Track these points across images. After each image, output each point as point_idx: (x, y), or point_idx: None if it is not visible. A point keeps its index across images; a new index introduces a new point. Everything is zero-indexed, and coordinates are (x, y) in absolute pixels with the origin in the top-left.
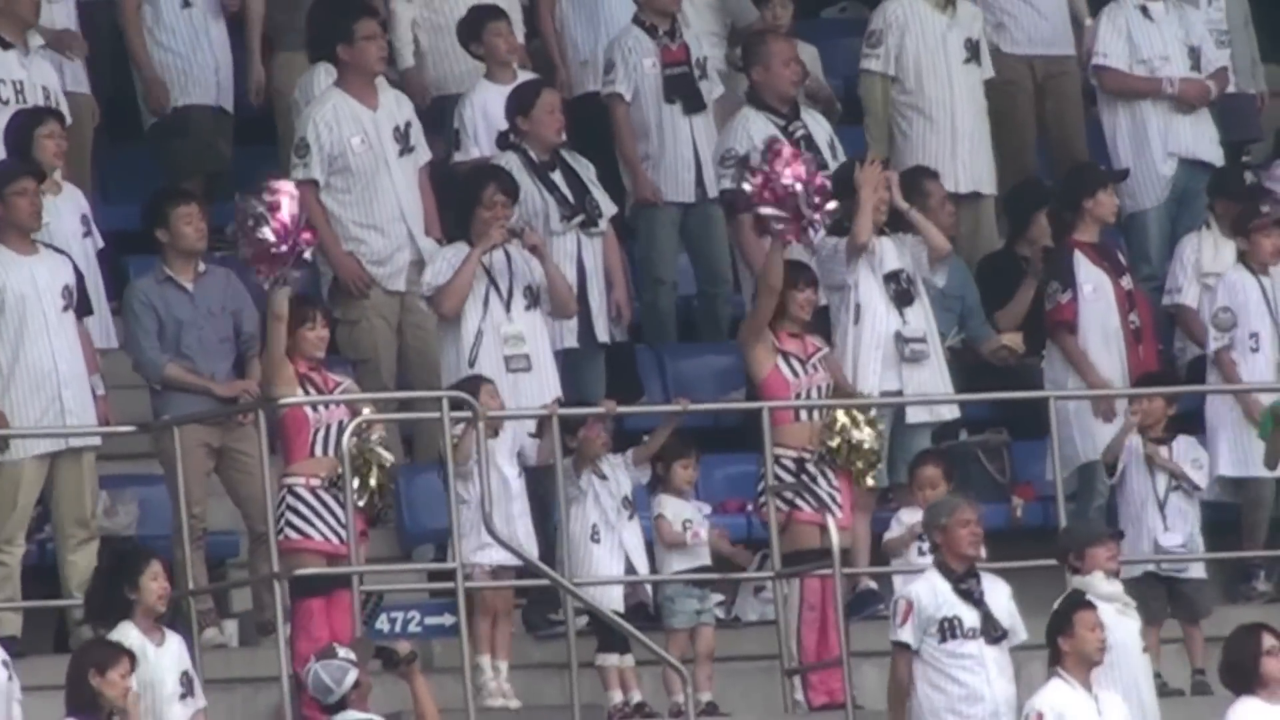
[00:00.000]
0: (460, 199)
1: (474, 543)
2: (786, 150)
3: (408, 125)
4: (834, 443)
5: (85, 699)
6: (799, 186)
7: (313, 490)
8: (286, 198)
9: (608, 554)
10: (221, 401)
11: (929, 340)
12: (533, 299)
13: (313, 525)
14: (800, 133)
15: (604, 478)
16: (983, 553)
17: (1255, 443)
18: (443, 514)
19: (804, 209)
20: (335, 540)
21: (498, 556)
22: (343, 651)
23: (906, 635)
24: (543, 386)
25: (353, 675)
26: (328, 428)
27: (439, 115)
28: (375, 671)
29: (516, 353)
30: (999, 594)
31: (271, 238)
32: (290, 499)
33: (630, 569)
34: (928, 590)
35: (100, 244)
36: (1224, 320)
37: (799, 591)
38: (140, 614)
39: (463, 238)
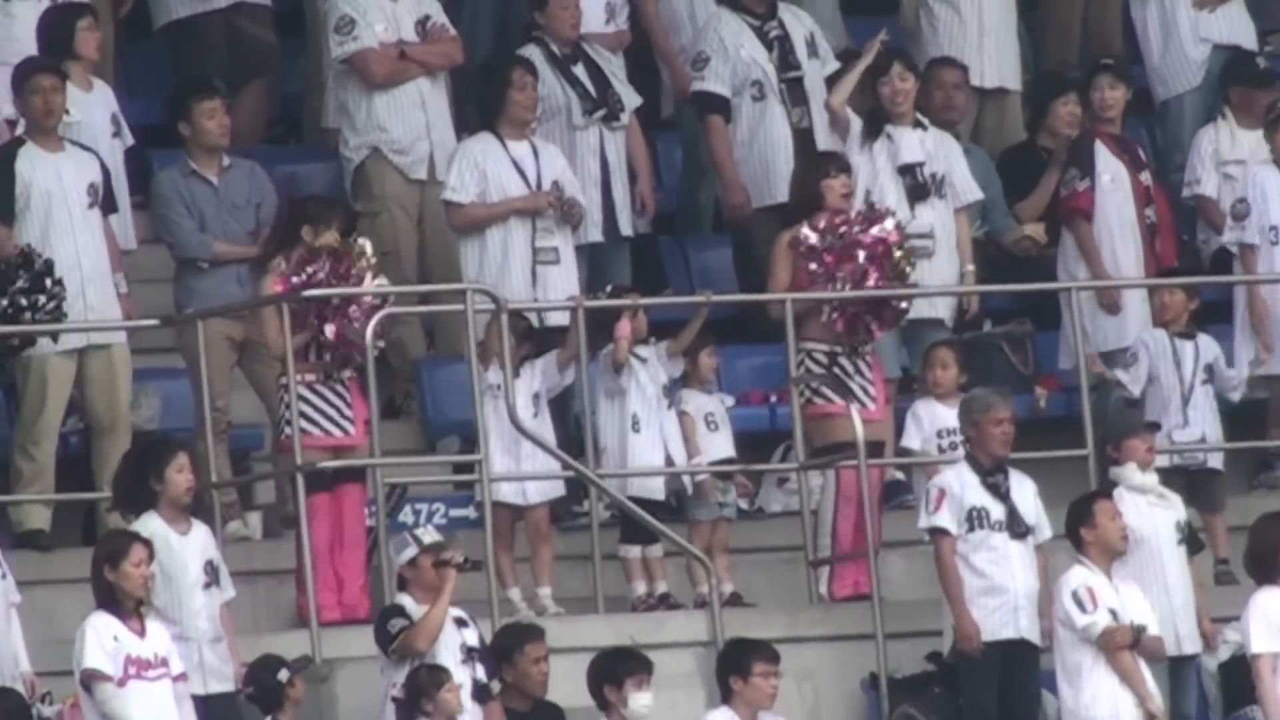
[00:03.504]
0: (485, 87)
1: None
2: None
3: (427, 18)
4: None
5: (105, 592)
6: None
7: (309, 386)
8: None
9: (648, 444)
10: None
11: (935, 235)
12: (559, 194)
13: (315, 423)
14: (775, 33)
15: (643, 360)
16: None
17: None
18: (465, 406)
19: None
20: (339, 432)
21: (534, 495)
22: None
23: (944, 521)
24: (568, 280)
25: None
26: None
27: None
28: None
29: (546, 245)
30: (1025, 490)
31: None
32: (286, 396)
33: (669, 458)
34: (956, 480)
35: (130, 142)
36: (1239, 210)
37: (835, 483)
38: (165, 505)
39: (487, 128)
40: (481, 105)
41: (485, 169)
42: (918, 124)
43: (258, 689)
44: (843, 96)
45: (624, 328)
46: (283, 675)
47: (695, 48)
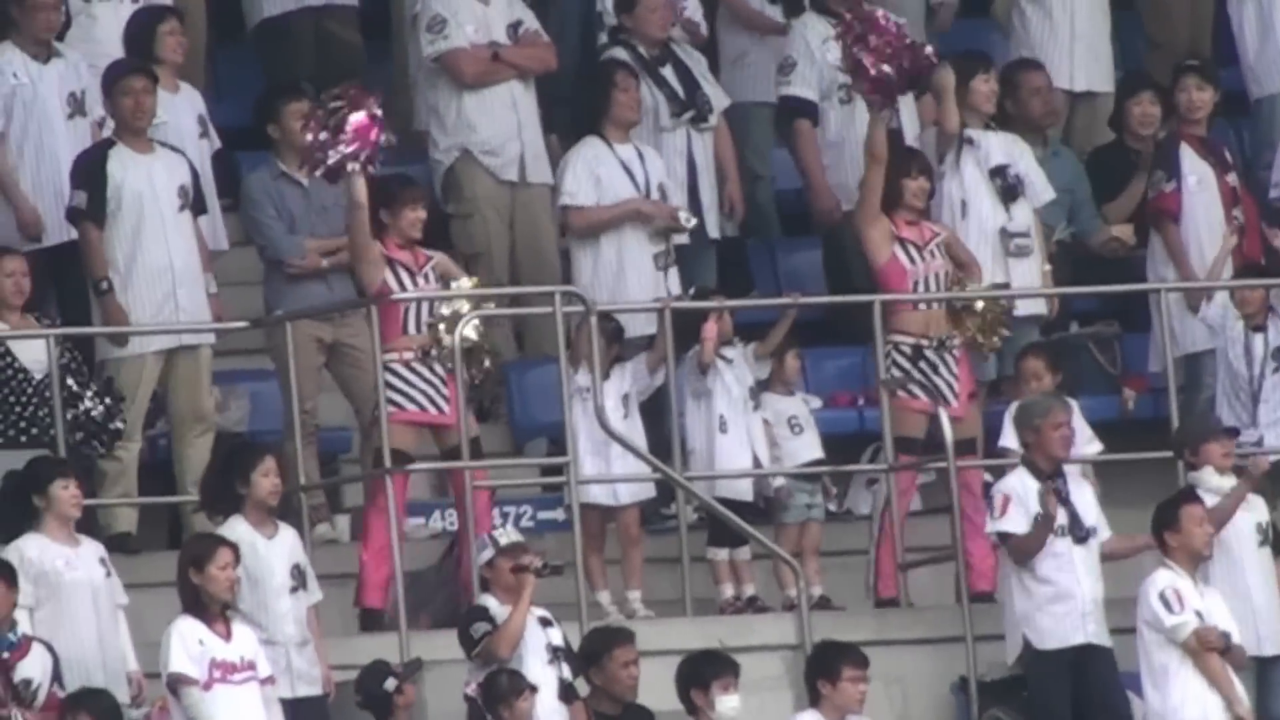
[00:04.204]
0: (589, 91)
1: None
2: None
3: (519, 23)
4: (976, 318)
5: (190, 595)
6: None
7: (406, 364)
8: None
9: (736, 445)
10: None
11: (1032, 235)
12: (663, 198)
13: (408, 397)
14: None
15: (729, 361)
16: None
17: None
18: (555, 408)
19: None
20: (432, 410)
21: (625, 496)
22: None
23: (1013, 525)
24: (676, 284)
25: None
26: (418, 305)
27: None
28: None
29: (659, 250)
30: (1084, 493)
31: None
32: (385, 375)
33: (756, 460)
34: (1020, 485)
35: (217, 144)
36: None
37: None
38: (251, 508)
39: (592, 130)
40: (585, 109)
41: (599, 173)
42: (987, 126)
43: (366, 697)
44: (952, 114)
45: (710, 329)
46: (389, 684)
47: (782, 53)
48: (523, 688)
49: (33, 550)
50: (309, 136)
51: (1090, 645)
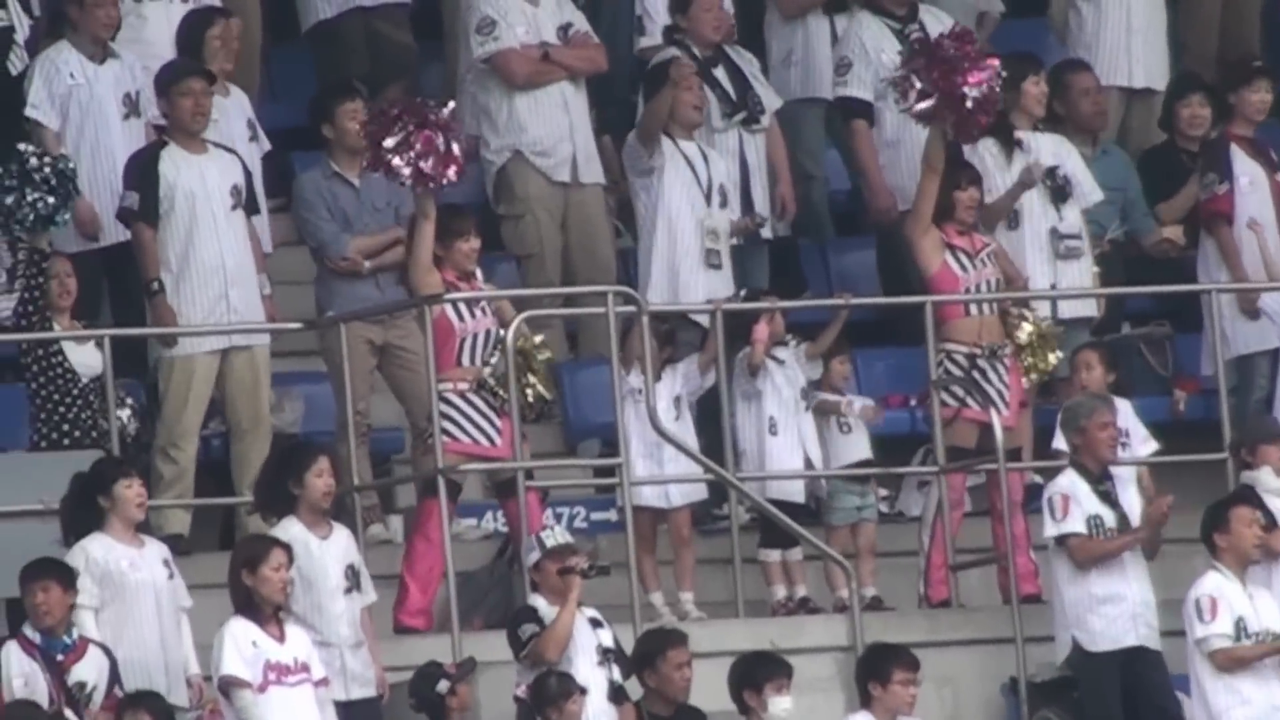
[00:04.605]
0: (651, 89)
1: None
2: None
3: (569, 25)
4: (1024, 335)
5: (242, 597)
6: (973, 94)
7: (461, 395)
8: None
9: (786, 446)
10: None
11: (1084, 237)
12: (723, 199)
13: (462, 429)
14: (916, 34)
15: (781, 362)
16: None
17: None
18: (607, 409)
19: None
20: (485, 443)
21: (677, 498)
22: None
23: (1075, 525)
24: (727, 285)
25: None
26: (474, 337)
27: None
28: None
29: (714, 247)
30: (1131, 493)
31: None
32: (440, 405)
33: (808, 460)
34: (1072, 487)
35: (267, 147)
36: None
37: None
38: (305, 509)
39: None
40: (646, 107)
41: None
42: (1036, 128)
43: (419, 700)
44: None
45: (761, 331)
46: (442, 687)
47: (838, 52)
48: (572, 690)
49: (98, 551)
50: (381, 142)
51: (1141, 648)
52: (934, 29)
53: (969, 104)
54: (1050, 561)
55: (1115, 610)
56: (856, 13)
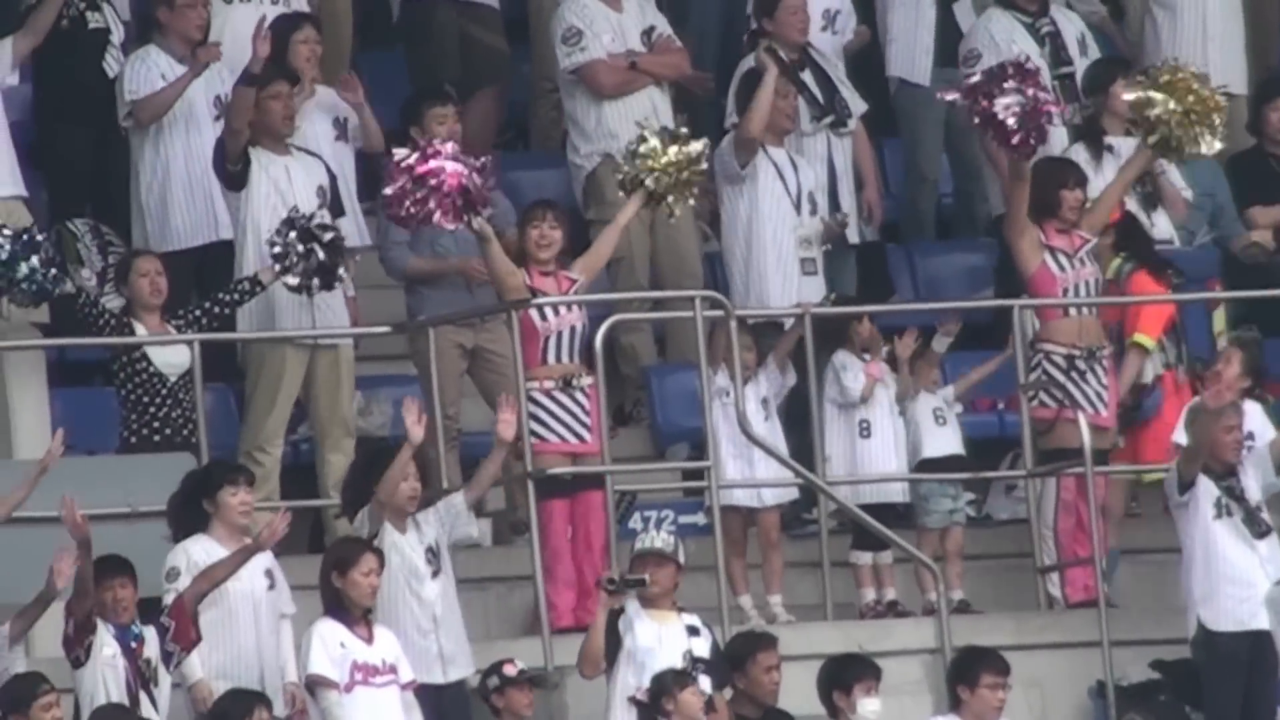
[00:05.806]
0: (744, 95)
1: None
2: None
3: (652, 29)
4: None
5: (332, 598)
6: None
7: (547, 393)
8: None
9: (880, 448)
10: (467, 277)
11: (1176, 244)
12: (813, 206)
13: (549, 428)
14: (1047, 29)
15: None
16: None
17: None
18: (695, 413)
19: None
20: (574, 440)
21: (769, 497)
22: None
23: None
24: (820, 290)
25: None
26: (559, 334)
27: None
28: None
29: (807, 255)
30: (1254, 489)
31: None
32: (527, 404)
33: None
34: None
35: (359, 144)
36: None
37: (1055, 489)
38: (391, 512)
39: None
40: (742, 113)
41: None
42: (1127, 132)
43: (481, 694)
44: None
45: (875, 369)
46: (492, 683)
47: (966, 45)
48: (687, 681)
49: (199, 553)
50: (390, 188)
51: (1266, 632)
52: (1064, 25)
53: (1010, 121)
54: (1182, 545)
55: (1243, 593)
56: (988, 7)
